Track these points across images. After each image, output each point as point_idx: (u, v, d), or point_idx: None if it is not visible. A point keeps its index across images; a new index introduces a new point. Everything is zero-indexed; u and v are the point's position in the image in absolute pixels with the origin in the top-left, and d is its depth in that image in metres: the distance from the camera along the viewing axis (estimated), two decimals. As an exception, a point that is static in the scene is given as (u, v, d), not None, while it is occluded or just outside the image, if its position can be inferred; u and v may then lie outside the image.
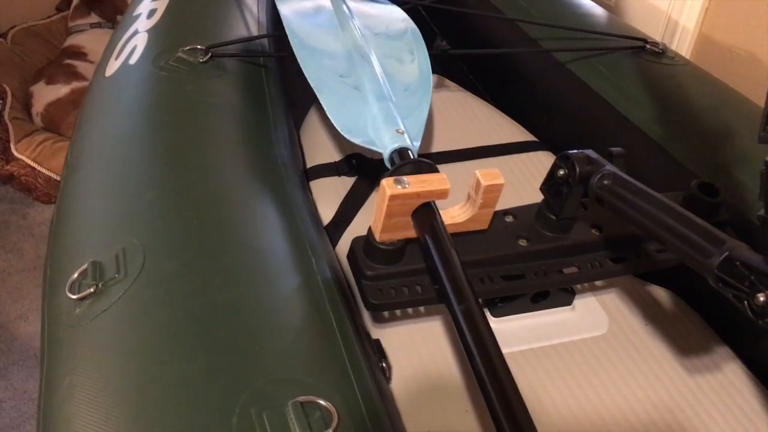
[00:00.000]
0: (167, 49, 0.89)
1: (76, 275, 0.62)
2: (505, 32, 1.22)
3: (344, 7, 1.02)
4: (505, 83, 1.24)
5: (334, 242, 0.90)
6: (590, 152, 0.71)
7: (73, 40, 2.07)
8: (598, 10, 1.22)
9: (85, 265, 0.63)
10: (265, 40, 1.03)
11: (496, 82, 1.27)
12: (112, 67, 0.90)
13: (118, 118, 0.79)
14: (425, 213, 0.67)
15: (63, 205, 0.73)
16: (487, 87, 1.29)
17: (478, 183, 0.68)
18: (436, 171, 0.70)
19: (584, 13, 1.19)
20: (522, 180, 1.02)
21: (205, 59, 0.88)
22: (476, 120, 1.12)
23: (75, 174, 0.76)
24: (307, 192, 0.90)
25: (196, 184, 0.70)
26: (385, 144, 0.77)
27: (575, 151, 0.71)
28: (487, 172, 0.69)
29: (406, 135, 0.78)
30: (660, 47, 1.08)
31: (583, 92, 1.06)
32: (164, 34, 0.93)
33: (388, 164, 0.77)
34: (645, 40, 1.08)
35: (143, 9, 1.02)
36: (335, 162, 0.99)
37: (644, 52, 1.07)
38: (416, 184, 0.66)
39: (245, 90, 0.88)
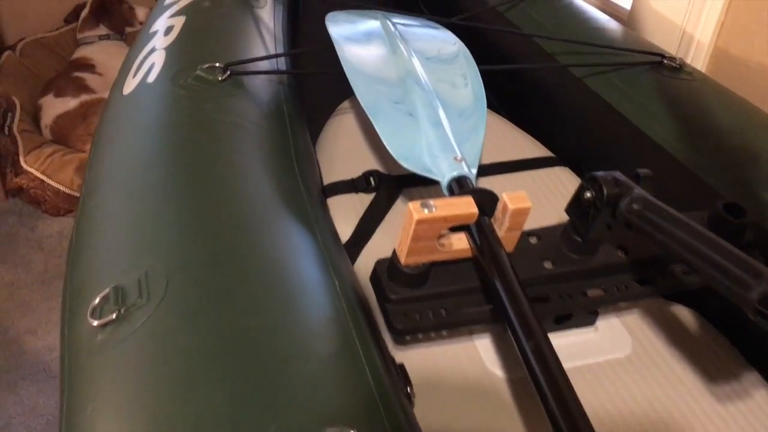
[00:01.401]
0: (186, 67, 0.88)
1: (97, 300, 0.61)
2: (521, 47, 1.21)
3: (395, 30, 1.02)
4: (521, 98, 1.24)
5: (353, 261, 0.89)
6: (617, 174, 0.70)
7: (81, 52, 2.07)
8: (614, 25, 1.21)
9: (107, 290, 0.62)
10: (282, 57, 1.02)
11: (512, 97, 1.26)
12: (130, 85, 0.90)
13: (138, 138, 0.78)
14: (479, 232, 0.67)
15: (81, 226, 0.72)
16: (502, 102, 1.28)
17: (505, 206, 0.68)
18: (497, 200, 0.70)
19: (600, 28, 1.18)
20: (540, 196, 1.01)
21: (223, 77, 0.87)
22: (492, 135, 1.12)
23: (93, 195, 0.75)
24: (326, 210, 0.90)
25: (218, 205, 0.69)
26: (443, 172, 0.77)
27: (602, 172, 0.70)
28: (514, 195, 0.68)
29: (464, 162, 0.78)
30: (677, 62, 1.07)
31: (600, 107, 1.05)
32: (182, 51, 0.92)
33: (446, 192, 0.77)
34: (662, 55, 1.08)
35: (160, 26, 1.01)
36: (353, 179, 0.98)
37: (662, 67, 1.06)
38: (443, 207, 0.65)
39: (264, 108, 0.87)
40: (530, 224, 0.77)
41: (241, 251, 0.65)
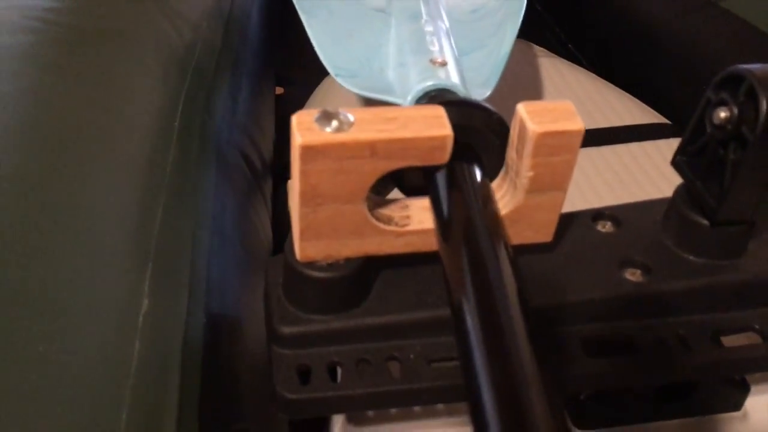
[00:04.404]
0: None
1: None
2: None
3: None
4: (615, 41, 0.84)
5: None
6: None
7: None
8: None
9: None
10: None
11: (601, 40, 0.87)
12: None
13: None
14: (451, 190, 0.30)
15: None
16: (588, 51, 0.89)
17: (522, 128, 0.30)
18: (503, 128, 0.33)
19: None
20: (645, 181, 0.62)
21: None
22: (575, 94, 0.73)
23: None
24: (259, 201, 0.55)
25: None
26: (408, 85, 0.40)
27: (757, 65, 0.32)
28: (542, 104, 0.30)
29: (453, 69, 0.41)
30: None
31: (750, 42, 0.65)
32: None
33: None
34: None
35: None
36: None
37: None
38: (368, 122, 0.28)
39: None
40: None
41: None
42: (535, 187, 0.31)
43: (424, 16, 0.47)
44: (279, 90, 0.81)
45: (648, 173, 0.63)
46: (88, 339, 0.30)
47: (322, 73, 0.78)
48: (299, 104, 0.76)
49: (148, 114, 0.44)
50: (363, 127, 0.28)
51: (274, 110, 0.73)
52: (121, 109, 0.43)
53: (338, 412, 0.37)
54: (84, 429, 0.27)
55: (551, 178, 0.31)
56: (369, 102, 0.55)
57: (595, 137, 0.67)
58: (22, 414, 0.27)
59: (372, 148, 0.28)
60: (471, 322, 0.24)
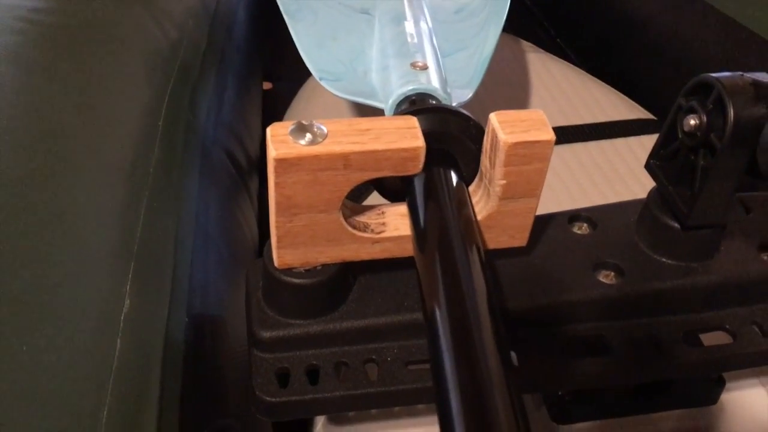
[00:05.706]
0: None
1: None
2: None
3: None
4: (604, 37, 0.84)
5: None
6: (762, 76, 0.32)
7: None
8: None
9: None
10: None
11: (591, 36, 0.87)
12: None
13: None
14: (427, 196, 0.31)
15: None
16: (576, 47, 0.89)
17: (494, 138, 0.30)
18: (478, 130, 0.33)
19: None
20: (629, 177, 0.63)
21: None
22: (562, 90, 0.73)
23: None
24: (245, 200, 0.55)
25: None
26: (390, 89, 0.41)
27: (725, 73, 0.32)
28: (514, 114, 0.31)
29: (434, 73, 0.41)
30: None
31: (737, 39, 0.66)
32: None
33: None
34: None
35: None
36: None
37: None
38: (342, 134, 0.29)
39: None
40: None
41: None
42: (508, 195, 0.31)
43: (408, 18, 0.47)
44: (267, 85, 0.81)
45: (632, 169, 0.64)
46: (69, 338, 0.30)
47: (310, 67, 0.79)
48: (287, 99, 0.76)
49: (133, 114, 0.44)
50: (337, 139, 0.29)
51: (263, 106, 0.73)
52: (105, 109, 0.43)
53: (317, 414, 0.38)
54: (64, 426, 0.28)
55: (524, 186, 0.31)
56: (354, 103, 0.56)
57: (580, 133, 0.67)
58: (4, 411, 0.27)
59: (345, 160, 0.29)
60: (442, 326, 0.25)
